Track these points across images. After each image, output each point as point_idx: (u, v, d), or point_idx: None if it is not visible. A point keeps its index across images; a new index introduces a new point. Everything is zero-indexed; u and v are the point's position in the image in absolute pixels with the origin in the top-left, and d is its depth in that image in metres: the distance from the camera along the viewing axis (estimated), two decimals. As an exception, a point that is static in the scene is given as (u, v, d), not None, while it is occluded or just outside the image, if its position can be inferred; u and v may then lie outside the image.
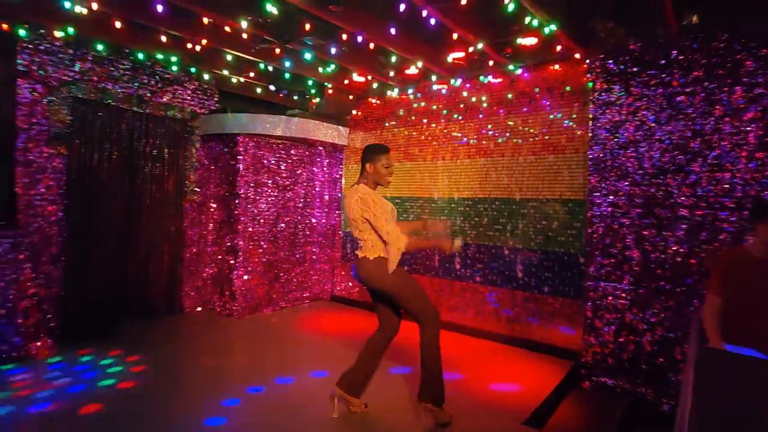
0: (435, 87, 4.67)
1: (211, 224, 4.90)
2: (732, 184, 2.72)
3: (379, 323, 2.65)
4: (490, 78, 4.26)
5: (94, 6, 3.13)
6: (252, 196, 4.72)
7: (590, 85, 3.31)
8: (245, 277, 4.67)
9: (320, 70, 4.48)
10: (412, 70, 4.27)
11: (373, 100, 5.29)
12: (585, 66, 3.41)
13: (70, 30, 3.55)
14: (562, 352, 3.63)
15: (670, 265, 2.93)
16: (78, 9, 3.18)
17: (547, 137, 3.92)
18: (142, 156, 4.40)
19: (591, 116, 3.30)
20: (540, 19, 3.12)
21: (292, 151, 5.15)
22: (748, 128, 2.68)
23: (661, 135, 2.98)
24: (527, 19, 3.17)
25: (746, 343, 1.98)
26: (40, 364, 3.29)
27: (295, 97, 5.33)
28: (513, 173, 4.12)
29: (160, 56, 4.16)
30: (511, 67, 4.01)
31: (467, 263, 4.41)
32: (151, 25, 3.61)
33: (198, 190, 4.86)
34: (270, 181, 4.91)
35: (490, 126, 4.29)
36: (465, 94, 4.46)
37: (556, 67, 3.84)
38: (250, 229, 4.71)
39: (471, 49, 3.74)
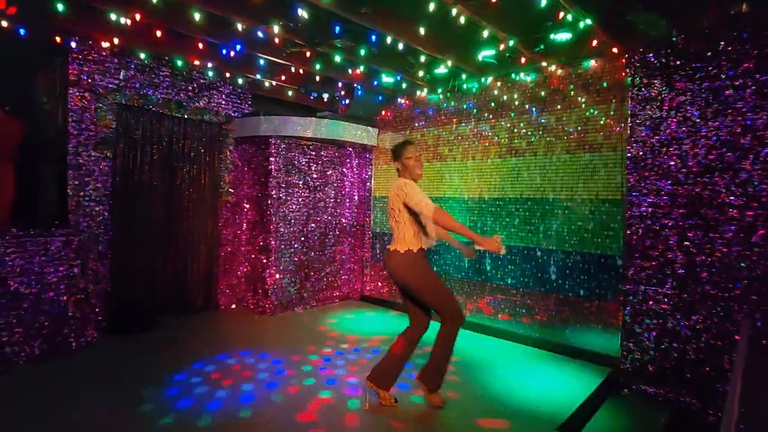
0: (465, 86, 4.62)
1: (244, 224, 5.05)
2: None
3: (409, 320, 2.73)
4: (522, 75, 4.17)
5: (137, 17, 3.32)
6: (283, 197, 4.83)
7: (629, 80, 3.18)
8: (277, 276, 4.78)
9: (349, 71, 4.53)
10: (441, 70, 4.25)
11: (401, 101, 5.29)
12: (623, 60, 3.28)
13: (116, 40, 3.77)
14: (598, 358, 3.50)
15: (717, 268, 2.77)
16: (123, 20, 3.38)
17: (582, 135, 3.79)
18: (180, 159, 4.60)
19: (629, 113, 3.16)
20: (575, 13, 3.02)
21: (323, 153, 5.23)
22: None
23: (707, 131, 2.82)
24: (561, 14, 3.08)
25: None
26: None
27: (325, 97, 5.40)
28: (546, 173, 4.02)
29: (196, 62, 4.34)
30: (544, 63, 3.91)
31: (498, 264, 4.33)
32: (189, 33, 3.78)
33: (232, 191, 5.02)
34: (301, 182, 5.01)
35: (522, 124, 4.20)
36: (496, 92, 4.39)
37: (592, 62, 3.71)
38: (281, 228, 4.82)
39: (502, 47, 3.67)
